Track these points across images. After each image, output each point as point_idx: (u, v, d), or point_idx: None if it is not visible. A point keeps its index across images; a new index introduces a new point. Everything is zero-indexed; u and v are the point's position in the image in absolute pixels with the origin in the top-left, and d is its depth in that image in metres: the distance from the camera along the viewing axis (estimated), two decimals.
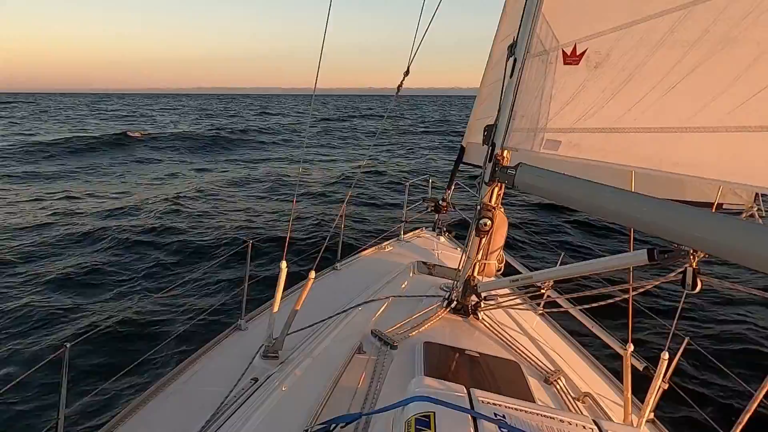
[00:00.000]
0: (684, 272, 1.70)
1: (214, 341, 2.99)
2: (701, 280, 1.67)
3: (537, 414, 1.35)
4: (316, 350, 2.51)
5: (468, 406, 1.33)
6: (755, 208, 2.34)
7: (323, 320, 2.92)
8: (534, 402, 2.13)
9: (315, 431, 1.63)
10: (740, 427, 1.36)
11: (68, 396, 2.08)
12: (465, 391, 1.41)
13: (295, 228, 10.08)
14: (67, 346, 2.02)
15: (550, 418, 1.36)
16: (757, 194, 2.41)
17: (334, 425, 1.58)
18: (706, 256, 1.69)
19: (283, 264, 2.65)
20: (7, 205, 12.70)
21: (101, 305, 6.71)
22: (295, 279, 4.24)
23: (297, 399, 2.06)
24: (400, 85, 2.94)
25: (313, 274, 2.66)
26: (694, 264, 1.67)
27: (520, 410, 1.35)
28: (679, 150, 1.98)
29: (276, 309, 2.67)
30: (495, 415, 1.30)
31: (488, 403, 1.36)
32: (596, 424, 1.39)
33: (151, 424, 2.30)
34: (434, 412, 1.27)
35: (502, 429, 1.25)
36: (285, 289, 3.56)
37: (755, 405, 1.35)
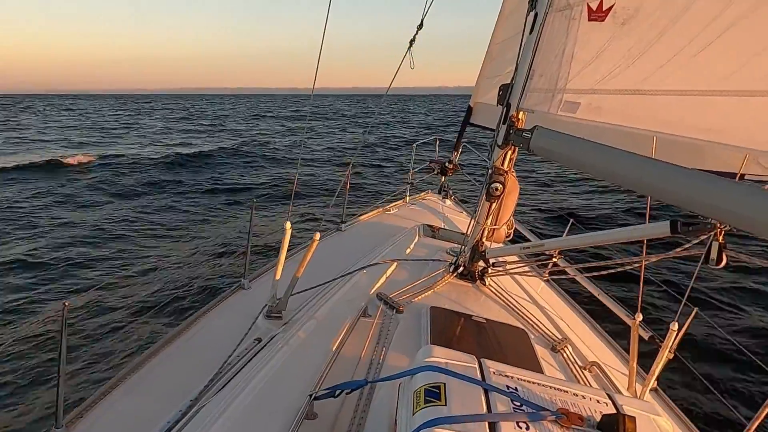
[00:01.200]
0: (709, 246, 1.61)
1: (216, 300, 2.97)
2: (726, 255, 1.59)
3: (550, 387, 1.30)
4: (320, 312, 2.48)
5: (479, 378, 1.29)
6: None
7: (327, 282, 2.88)
8: (541, 371, 2.10)
9: (319, 396, 1.60)
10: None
11: (69, 354, 2.06)
12: (476, 362, 1.36)
13: (301, 189, 10.01)
14: (66, 303, 1.99)
15: (564, 391, 1.31)
16: None
17: (339, 391, 1.55)
18: (732, 229, 1.61)
19: (288, 224, 2.59)
20: None
21: (102, 263, 6.73)
22: (299, 240, 4.20)
23: (301, 362, 2.03)
24: (412, 40, 2.78)
25: (318, 235, 2.60)
26: (720, 238, 1.59)
27: (533, 383, 1.30)
28: (708, 115, 1.87)
29: (280, 269, 2.63)
30: (507, 387, 1.26)
31: (500, 374, 1.32)
32: (610, 397, 1.35)
33: (152, 383, 2.30)
34: (444, 383, 1.23)
35: (515, 402, 1.20)
36: (289, 249, 3.52)
37: None
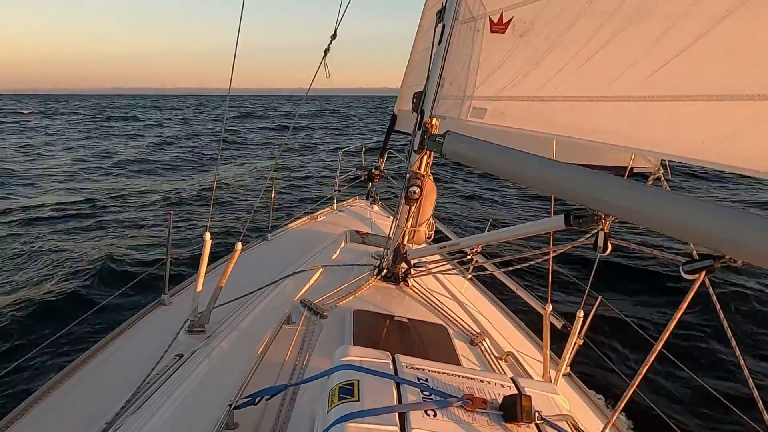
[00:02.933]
0: (596, 236, 1.79)
1: (134, 317, 2.84)
2: (611, 243, 1.77)
3: (458, 375, 1.39)
4: (243, 323, 2.45)
5: (392, 372, 1.35)
6: (661, 172, 2.51)
7: (252, 292, 2.85)
8: (459, 363, 2.21)
9: (239, 405, 1.60)
10: (639, 378, 1.48)
11: None
12: (390, 357, 1.42)
13: (222, 198, 9.69)
14: None
15: (471, 378, 1.41)
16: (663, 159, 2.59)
17: (259, 398, 1.55)
18: (617, 220, 1.79)
19: (207, 235, 2.54)
20: None
21: (10, 279, 6.20)
22: (222, 252, 4.10)
23: (222, 373, 2.00)
24: (326, 50, 2.84)
25: (239, 245, 2.58)
26: (605, 227, 1.77)
27: (443, 373, 1.39)
28: (594, 118, 2.07)
29: (201, 281, 2.57)
30: (418, 379, 1.33)
31: (412, 367, 1.39)
32: (514, 381, 1.46)
33: (64, 409, 2.16)
34: (358, 380, 1.28)
35: (424, 392, 1.28)
36: (211, 262, 3.44)
37: (653, 356, 1.47)
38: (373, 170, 5.33)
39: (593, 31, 2.05)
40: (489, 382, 1.40)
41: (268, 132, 32.41)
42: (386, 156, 5.43)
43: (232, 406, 1.63)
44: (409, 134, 4.75)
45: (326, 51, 2.79)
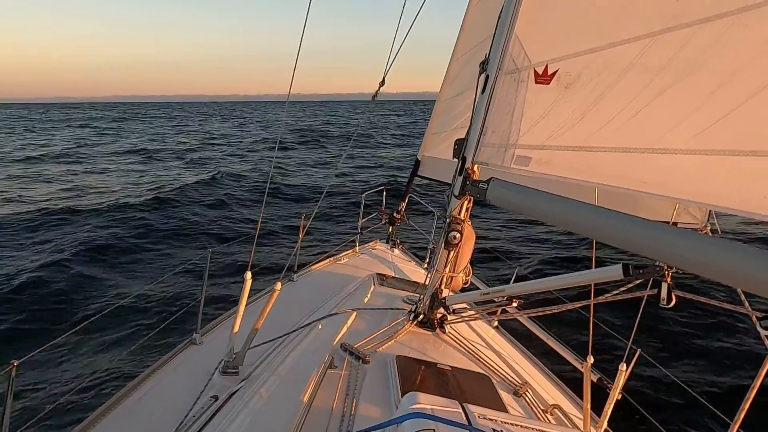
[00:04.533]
0: (659, 287, 1.76)
1: (166, 357, 2.80)
2: (675, 296, 1.73)
3: (533, 429, 1.34)
4: (282, 366, 2.40)
5: (465, 422, 1.30)
6: (708, 227, 2.49)
7: (286, 334, 2.81)
8: None
9: None
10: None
11: (12, 416, 1.86)
12: (459, 407, 1.37)
13: (252, 236, 9.71)
14: (15, 363, 1.82)
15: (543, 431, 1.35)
16: (709, 213, 2.57)
17: None
18: (681, 272, 1.76)
19: (248, 274, 2.54)
20: None
21: (48, 322, 6.18)
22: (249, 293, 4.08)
23: (269, 419, 1.94)
24: (375, 95, 2.91)
25: (279, 285, 2.56)
26: (668, 279, 1.74)
27: (516, 425, 1.33)
28: (646, 169, 2.07)
29: (238, 321, 2.55)
30: (493, 430, 1.28)
31: (484, 418, 1.34)
32: None
33: None
34: (434, 430, 1.23)
35: None
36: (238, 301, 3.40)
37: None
38: (395, 213, 5.36)
39: (644, 84, 2.08)
40: None
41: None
42: (407, 199, 5.47)
43: None
44: (433, 180, 4.82)
45: (374, 97, 2.86)
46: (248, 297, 3.71)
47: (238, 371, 2.55)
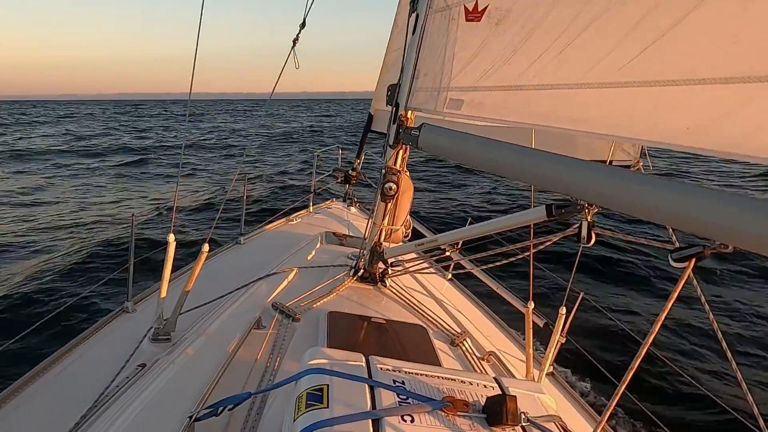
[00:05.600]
0: (579, 226, 1.71)
1: (95, 326, 2.67)
2: (595, 233, 1.69)
3: (438, 377, 1.29)
4: (210, 328, 2.30)
5: (366, 375, 1.24)
6: (641, 163, 2.46)
7: (221, 297, 2.70)
8: (440, 364, 2.11)
9: (200, 417, 1.46)
10: (631, 373, 1.40)
11: None
12: (363, 360, 1.31)
13: (187, 197, 9.38)
14: None
15: (452, 379, 1.30)
16: (642, 150, 2.54)
17: (221, 408, 1.42)
18: (600, 209, 1.72)
19: (171, 237, 2.39)
20: None
21: None
22: (192, 258, 3.93)
23: (185, 382, 1.86)
24: (295, 39, 2.72)
25: (206, 246, 2.43)
26: (588, 218, 1.69)
27: (421, 374, 1.28)
28: (574, 106, 2.00)
29: (165, 286, 2.42)
30: (393, 381, 1.22)
31: (387, 369, 1.28)
32: (497, 381, 1.36)
33: (20, 420, 2.00)
34: (328, 384, 1.16)
35: (400, 396, 1.17)
36: (179, 267, 3.26)
37: (644, 351, 1.39)
38: (350, 171, 5.23)
39: (571, 18, 1.99)
40: (471, 383, 1.30)
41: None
42: (363, 157, 5.33)
43: (192, 417, 1.49)
44: (385, 133, 4.69)
45: (295, 41, 2.68)
46: (189, 263, 3.59)
47: (170, 337, 2.45)
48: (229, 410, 1.42)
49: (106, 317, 2.78)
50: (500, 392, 1.28)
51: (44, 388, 2.19)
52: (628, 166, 2.53)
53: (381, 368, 1.28)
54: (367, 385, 1.20)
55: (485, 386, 1.31)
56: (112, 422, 1.65)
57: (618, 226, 7.44)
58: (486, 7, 2.33)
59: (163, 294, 2.43)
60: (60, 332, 4.13)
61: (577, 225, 1.86)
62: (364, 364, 1.30)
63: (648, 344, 1.27)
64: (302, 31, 2.71)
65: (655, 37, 1.72)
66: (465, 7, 2.41)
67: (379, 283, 2.91)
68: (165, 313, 2.46)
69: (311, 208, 5.38)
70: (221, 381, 1.80)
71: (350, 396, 1.15)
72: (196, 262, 2.45)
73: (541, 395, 1.38)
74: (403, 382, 1.23)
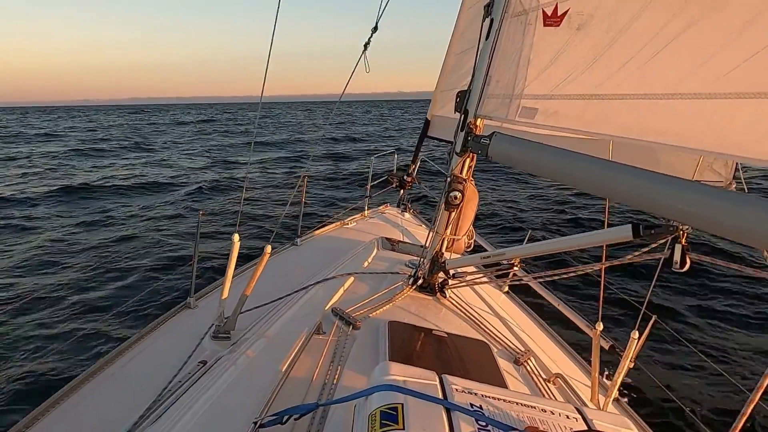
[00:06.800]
0: (672, 249, 1.57)
1: (158, 321, 2.74)
2: (690, 258, 1.55)
3: (516, 403, 1.20)
4: (271, 330, 2.31)
5: (440, 396, 1.17)
6: (734, 185, 2.26)
7: (280, 298, 2.71)
8: (505, 385, 2.01)
9: (265, 423, 1.44)
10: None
11: None
12: (437, 379, 1.25)
13: (252, 201, 9.67)
14: None
15: (531, 407, 1.22)
16: (735, 169, 2.34)
17: (287, 417, 1.39)
18: (695, 231, 1.58)
19: (236, 236, 2.42)
20: None
21: (35, 279, 6.25)
22: (251, 257, 4.00)
23: (248, 384, 1.86)
24: (367, 43, 2.71)
25: (269, 248, 2.45)
26: (683, 240, 1.55)
27: (499, 399, 1.20)
28: (663, 118, 1.86)
29: (228, 285, 2.45)
30: (471, 405, 1.15)
31: (463, 391, 1.21)
32: (580, 412, 1.26)
33: (83, 412, 2.07)
34: (402, 404, 1.11)
35: (480, 422, 1.09)
36: (239, 265, 3.32)
37: (751, 407, 1.24)
38: (405, 177, 5.18)
39: (663, 23, 1.85)
40: (552, 413, 1.21)
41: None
42: (419, 162, 5.27)
43: (257, 423, 1.48)
44: (443, 140, 4.60)
45: (366, 45, 2.66)
46: (249, 262, 3.66)
47: (229, 336, 2.48)
48: (294, 419, 1.40)
49: (169, 312, 2.85)
50: (585, 426, 1.18)
51: (107, 382, 2.26)
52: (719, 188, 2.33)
53: (456, 389, 1.22)
54: (443, 407, 1.14)
55: (567, 417, 1.22)
56: (178, 419, 1.67)
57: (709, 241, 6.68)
58: (567, 11, 2.22)
59: (225, 293, 2.46)
60: (125, 325, 4.35)
61: (665, 246, 1.72)
62: (437, 384, 1.23)
63: (756, 400, 1.13)
64: (374, 35, 2.70)
65: (761, 45, 1.56)
66: (543, 11, 2.30)
67: (439, 293, 2.84)
68: (226, 312, 2.50)
69: (366, 212, 5.37)
70: (284, 387, 1.79)
71: (427, 418, 1.09)
72: (258, 262, 2.47)
73: (628, 431, 1.27)
74: (480, 407, 1.16)
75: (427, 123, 4.82)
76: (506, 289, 3.58)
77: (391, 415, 1.08)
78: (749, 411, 1.13)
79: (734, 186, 2.30)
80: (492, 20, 2.45)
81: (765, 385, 1.13)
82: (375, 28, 2.73)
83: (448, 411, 1.13)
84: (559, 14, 2.24)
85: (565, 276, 2.30)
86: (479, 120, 2.55)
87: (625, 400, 3.49)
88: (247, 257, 3.45)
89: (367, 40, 2.67)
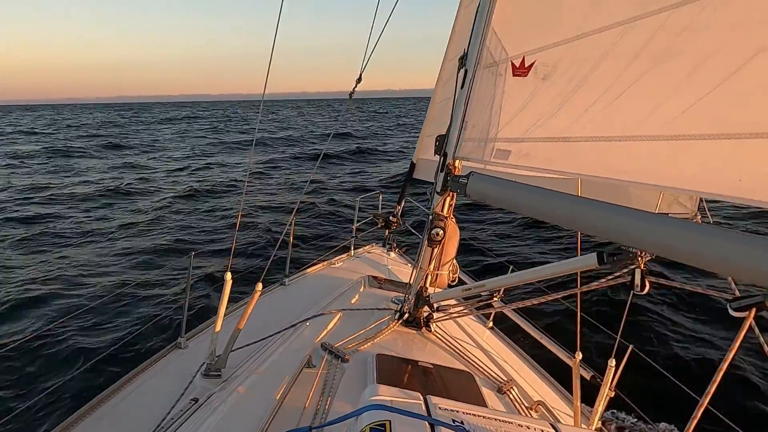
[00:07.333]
0: (633, 274, 1.73)
1: (150, 361, 2.77)
2: (649, 281, 1.70)
3: (495, 419, 1.30)
4: (262, 366, 2.37)
5: (425, 413, 1.27)
6: (698, 216, 2.45)
7: (270, 336, 2.77)
8: None
9: None
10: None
11: None
12: (421, 398, 1.34)
13: (241, 241, 9.72)
14: None
15: (508, 422, 1.32)
16: (701, 202, 2.53)
17: None
18: (653, 257, 1.73)
19: (228, 275, 2.51)
20: None
21: (20, 321, 6.14)
22: (239, 296, 4.05)
23: (240, 418, 1.91)
24: (351, 93, 2.90)
25: (260, 286, 2.53)
26: (641, 265, 1.71)
27: (478, 416, 1.30)
28: (624, 158, 2.04)
29: (219, 322, 2.52)
30: (453, 421, 1.25)
31: (445, 409, 1.31)
32: (554, 428, 1.36)
33: None
34: (390, 421, 1.20)
35: None
36: (229, 303, 3.38)
37: (701, 411, 1.36)
38: (391, 217, 5.32)
39: (619, 72, 2.06)
40: (528, 428, 1.31)
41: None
42: (403, 203, 5.43)
43: None
44: (429, 182, 4.79)
45: (351, 94, 2.84)
46: (238, 301, 3.71)
47: (220, 374, 2.52)
48: None
49: (160, 353, 2.88)
50: None
51: (100, 421, 2.27)
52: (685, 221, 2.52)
53: (439, 408, 1.31)
54: (427, 423, 1.23)
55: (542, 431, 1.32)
56: None
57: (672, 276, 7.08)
58: (533, 63, 2.44)
59: (218, 329, 2.52)
60: (116, 365, 4.31)
61: (627, 271, 1.86)
62: (422, 403, 1.33)
63: (704, 404, 1.26)
64: (358, 84, 2.89)
65: (704, 91, 1.77)
66: (512, 63, 2.53)
67: (424, 327, 2.93)
68: (217, 350, 2.55)
69: (352, 251, 5.48)
70: (276, 418, 1.84)
71: None
72: (249, 300, 2.54)
73: None
74: (462, 422, 1.25)
75: (412, 166, 5.02)
76: (490, 324, 3.69)
77: (380, 431, 1.17)
78: (704, 403, 1.24)
79: (699, 217, 2.49)
80: (466, 71, 2.67)
81: (712, 391, 1.25)
82: (359, 79, 2.93)
83: (432, 426, 1.22)
84: (526, 65, 2.46)
85: (540, 302, 2.43)
86: (457, 161, 2.73)
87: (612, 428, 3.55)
88: (236, 296, 3.51)
89: (352, 89, 2.86)
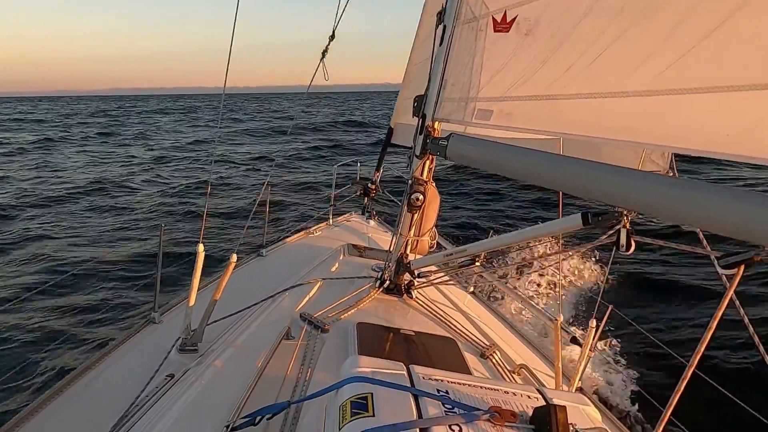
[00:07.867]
0: (618, 233, 1.69)
1: (123, 337, 2.68)
2: (634, 240, 1.66)
3: (480, 387, 1.26)
4: (239, 339, 2.30)
5: (408, 384, 1.22)
6: (670, 173, 2.43)
7: (247, 308, 2.70)
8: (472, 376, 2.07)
9: (237, 426, 1.45)
10: (674, 401, 1.35)
11: None
12: (404, 368, 1.29)
13: (214, 210, 9.53)
14: None
15: (494, 389, 1.28)
16: (672, 160, 2.51)
17: (259, 417, 1.40)
18: (638, 216, 1.69)
19: (200, 247, 2.41)
20: None
21: None
22: (216, 271, 3.95)
23: (218, 392, 1.85)
24: (324, 51, 2.75)
25: (234, 257, 2.44)
26: (627, 224, 1.67)
27: (463, 384, 1.26)
28: (608, 115, 1.98)
29: (193, 296, 2.43)
30: (438, 391, 1.20)
31: (429, 378, 1.26)
32: (540, 392, 1.33)
33: (49, 430, 2.01)
34: (372, 393, 1.15)
35: (446, 405, 1.15)
36: (204, 276, 3.28)
37: (687, 376, 1.34)
38: (369, 184, 5.23)
39: (602, 28, 1.98)
40: (515, 393, 1.27)
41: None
42: (381, 170, 5.33)
43: (230, 427, 1.48)
44: (407, 147, 4.68)
45: (324, 52, 2.70)
46: (213, 275, 3.61)
47: (197, 348, 2.45)
48: (267, 419, 1.41)
49: (133, 328, 2.79)
50: (545, 403, 1.25)
51: (74, 399, 2.20)
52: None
53: (423, 377, 1.26)
54: (411, 394, 1.18)
55: (529, 397, 1.28)
56: None
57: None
58: (515, 18, 2.33)
59: (191, 303, 2.44)
60: (88, 342, 4.19)
61: (613, 233, 1.83)
62: (405, 374, 1.28)
63: (694, 365, 1.23)
64: (331, 42, 2.74)
65: (690, 45, 1.70)
66: (493, 18, 2.41)
67: (405, 294, 2.89)
68: (193, 324, 2.47)
69: (331, 220, 5.39)
70: (254, 392, 1.79)
71: (395, 405, 1.13)
72: (224, 273, 2.45)
73: (587, 407, 1.35)
74: (447, 392, 1.21)
75: (390, 131, 4.89)
76: (471, 289, 3.68)
77: (361, 404, 1.12)
78: (688, 374, 1.23)
79: (670, 174, 2.47)
80: (444, 27, 2.55)
81: (701, 352, 1.23)
82: (332, 36, 2.77)
83: (416, 397, 1.18)
84: (508, 20, 2.35)
85: (522, 265, 2.40)
86: (437, 123, 2.63)
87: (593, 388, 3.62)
88: (212, 267, 3.41)
89: (324, 47, 2.72)
